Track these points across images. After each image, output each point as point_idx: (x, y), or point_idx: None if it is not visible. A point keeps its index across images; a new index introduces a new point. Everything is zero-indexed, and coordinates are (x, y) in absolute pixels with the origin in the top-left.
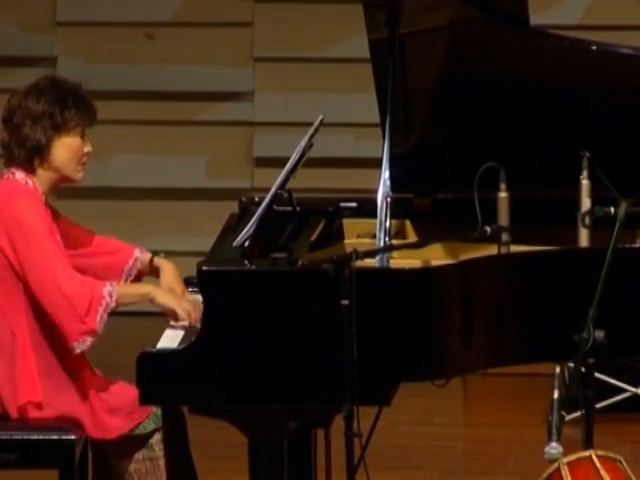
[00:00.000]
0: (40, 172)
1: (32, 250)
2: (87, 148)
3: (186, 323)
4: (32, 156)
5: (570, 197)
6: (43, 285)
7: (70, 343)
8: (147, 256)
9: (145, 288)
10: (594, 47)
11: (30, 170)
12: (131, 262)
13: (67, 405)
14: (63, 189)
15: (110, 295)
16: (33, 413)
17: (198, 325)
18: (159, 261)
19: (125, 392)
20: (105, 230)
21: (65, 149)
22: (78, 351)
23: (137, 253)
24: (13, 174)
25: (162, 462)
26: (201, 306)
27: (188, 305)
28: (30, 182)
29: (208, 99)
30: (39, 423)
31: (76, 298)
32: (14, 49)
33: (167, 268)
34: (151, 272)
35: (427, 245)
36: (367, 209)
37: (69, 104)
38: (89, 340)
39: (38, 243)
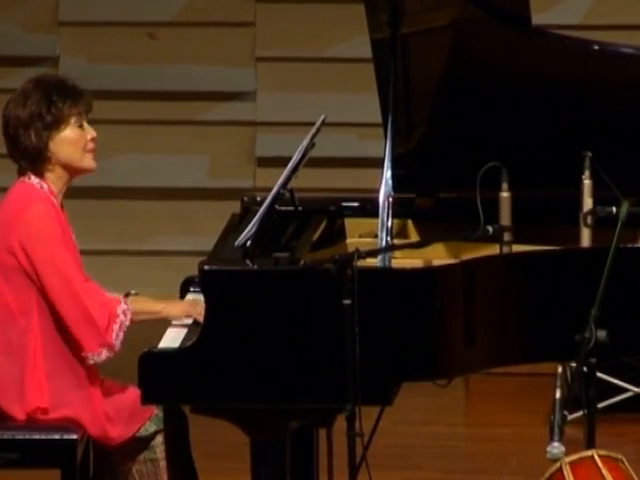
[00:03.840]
0: (49, 174)
1: (47, 258)
2: (90, 134)
3: (186, 321)
4: (36, 162)
5: (572, 197)
6: (62, 294)
7: (85, 352)
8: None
9: (157, 306)
10: (596, 47)
11: (40, 175)
12: None
13: (71, 410)
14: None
15: (124, 313)
16: (39, 417)
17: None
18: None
19: (126, 394)
20: (107, 230)
21: (64, 143)
22: (91, 362)
23: None
24: (29, 177)
25: (163, 464)
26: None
27: (201, 308)
28: (45, 185)
29: (210, 99)
30: (42, 423)
31: (95, 311)
32: (16, 49)
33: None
34: None
35: (429, 245)
36: (369, 209)
37: (54, 99)
38: (105, 354)
39: (53, 251)
